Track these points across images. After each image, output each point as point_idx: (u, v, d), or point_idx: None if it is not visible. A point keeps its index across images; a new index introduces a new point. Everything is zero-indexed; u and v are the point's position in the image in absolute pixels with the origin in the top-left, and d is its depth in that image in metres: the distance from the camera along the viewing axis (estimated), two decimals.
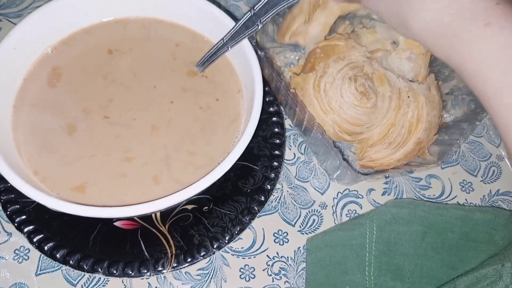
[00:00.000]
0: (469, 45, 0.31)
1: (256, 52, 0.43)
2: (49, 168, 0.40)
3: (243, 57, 0.43)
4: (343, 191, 0.49)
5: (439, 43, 0.33)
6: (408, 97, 0.46)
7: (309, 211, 0.48)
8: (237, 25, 0.42)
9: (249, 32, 0.42)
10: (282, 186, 0.49)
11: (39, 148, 0.40)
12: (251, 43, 0.43)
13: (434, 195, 0.50)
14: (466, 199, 0.50)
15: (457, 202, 0.49)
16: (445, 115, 0.52)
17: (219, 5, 0.46)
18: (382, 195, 0.49)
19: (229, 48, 0.43)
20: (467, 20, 0.31)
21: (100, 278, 0.43)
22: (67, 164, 0.39)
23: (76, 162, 0.40)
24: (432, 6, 0.32)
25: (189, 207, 0.45)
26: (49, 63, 0.44)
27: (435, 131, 0.48)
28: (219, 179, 0.46)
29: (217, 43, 0.43)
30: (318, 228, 0.47)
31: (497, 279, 0.35)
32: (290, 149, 0.51)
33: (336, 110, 0.46)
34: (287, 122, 0.52)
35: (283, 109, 0.51)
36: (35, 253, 0.44)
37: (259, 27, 0.41)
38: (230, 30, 0.42)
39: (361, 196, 0.49)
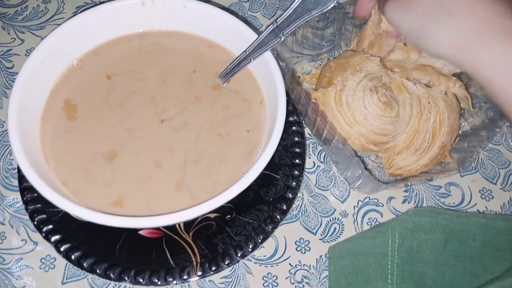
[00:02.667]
0: (485, 59, 0.34)
1: (278, 63, 0.44)
2: (83, 186, 0.40)
3: (266, 68, 0.43)
4: (364, 199, 0.49)
5: (459, 56, 0.36)
6: (429, 102, 0.47)
7: (330, 220, 0.48)
8: (260, 37, 0.42)
9: (271, 44, 0.42)
10: (303, 195, 0.49)
11: (71, 169, 0.41)
12: (273, 55, 0.44)
13: (454, 203, 0.50)
14: (486, 207, 0.50)
15: (477, 210, 0.50)
16: (463, 123, 0.53)
17: (237, 16, 0.47)
18: (402, 203, 0.49)
19: (252, 60, 0.43)
20: (484, 36, 0.34)
21: (125, 286, 0.44)
22: (105, 186, 0.40)
23: (115, 183, 0.41)
24: (455, 20, 0.35)
25: (212, 215, 0.46)
26: (61, 95, 0.44)
27: (457, 133, 0.49)
28: None
29: (240, 55, 0.44)
30: (340, 237, 0.47)
31: None
32: (310, 158, 0.52)
33: (361, 122, 0.46)
34: (306, 131, 0.53)
35: (302, 119, 0.52)
36: (61, 262, 0.44)
37: (282, 39, 0.42)
38: (253, 42, 0.43)
39: (381, 205, 0.49)
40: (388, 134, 0.47)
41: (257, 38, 0.43)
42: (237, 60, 0.44)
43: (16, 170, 0.48)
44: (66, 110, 0.44)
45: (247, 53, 0.43)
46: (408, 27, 0.39)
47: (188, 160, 0.41)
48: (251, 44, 0.43)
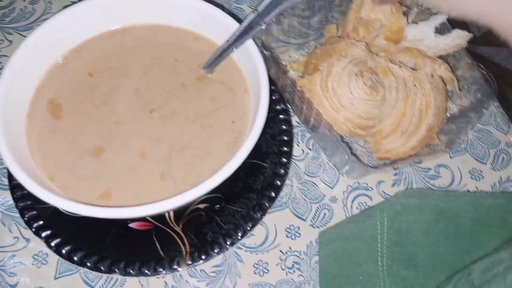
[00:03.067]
0: None
1: (262, 52, 0.44)
2: (70, 181, 0.41)
3: (249, 57, 0.43)
4: (353, 184, 0.49)
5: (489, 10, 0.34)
6: (415, 85, 0.47)
7: (319, 205, 0.48)
8: (242, 26, 0.43)
9: (253, 33, 0.43)
10: (292, 182, 0.49)
11: (59, 165, 0.41)
12: (256, 43, 0.44)
13: (444, 184, 0.50)
14: (476, 187, 0.50)
15: (468, 190, 0.50)
16: (451, 106, 0.53)
17: (223, 8, 0.47)
18: (392, 186, 0.50)
19: (235, 49, 0.44)
20: None
21: (117, 278, 0.44)
22: (93, 180, 0.41)
23: (103, 177, 0.41)
24: None
25: (202, 206, 0.46)
26: (44, 95, 0.44)
27: (444, 114, 0.49)
28: (229, 178, 0.47)
29: (223, 45, 0.44)
30: (329, 222, 0.47)
31: None
32: (298, 145, 0.52)
33: (347, 107, 0.46)
34: (294, 119, 0.53)
35: (290, 107, 0.52)
36: (53, 258, 0.45)
37: (263, 27, 0.42)
38: (235, 32, 0.43)
39: (371, 189, 0.49)
40: (374, 118, 0.47)
41: (239, 27, 0.43)
42: (220, 50, 0.44)
43: (6, 170, 0.48)
44: (50, 110, 0.44)
45: (230, 42, 0.44)
46: None
47: (173, 150, 0.42)
48: (233, 33, 0.43)
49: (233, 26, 0.44)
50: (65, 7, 0.60)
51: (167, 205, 0.36)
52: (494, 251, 0.39)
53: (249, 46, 0.44)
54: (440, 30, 0.50)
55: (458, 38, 0.50)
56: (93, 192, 0.40)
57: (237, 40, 0.43)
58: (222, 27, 0.45)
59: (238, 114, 0.44)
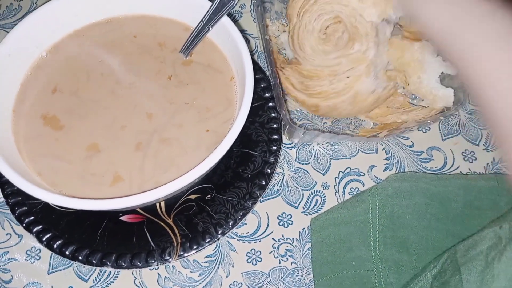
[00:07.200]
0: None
1: (246, 38, 0.43)
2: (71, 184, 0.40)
3: (229, 37, 0.43)
4: (345, 170, 0.49)
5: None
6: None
7: (311, 192, 0.48)
8: (214, 4, 0.42)
9: (226, 9, 0.42)
10: (283, 170, 0.49)
11: (53, 167, 0.41)
12: (233, 22, 0.44)
13: (436, 167, 0.49)
14: (469, 169, 0.49)
15: (460, 172, 0.49)
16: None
17: None
18: (383, 171, 0.49)
19: (210, 28, 0.44)
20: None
21: (110, 272, 0.44)
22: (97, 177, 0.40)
23: (106, 171, 0.40)
24: None
25: (193, 197, 0.46)
26: (37, 110, 0.43)
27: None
28: (219, 167, 0.47)
29: (197, 25, 0.44)
30: (322, 208, 0.47)
31: (497, 241, 0.35)
32: None
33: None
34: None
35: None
36: (46, 253, 0.45)
37: (236, 3, 0.42)
38: (208, 10, 0.43)
39: (362, 174, 0.49)
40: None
41: (211, 5, 0.43)
42: (195, 30, 0.44)
43: None
44: (49, 124, 0.42)
45: (204, 21, 0.43)
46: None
47: (156, 131, 0.42)
48: (206, 12, 0.43)
49: (205, 5, 0.44)
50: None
51: (154, 195, 0.36)
52: (479, 230, 0.38)
53: (227, 25, 0.43)
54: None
55: (442, 100, 0.47)
56: (105, 181, 0.40)
57: (210, 18, 0.43)
58: (196, 9, 0.45)
59: (226, 102, 0.44)
